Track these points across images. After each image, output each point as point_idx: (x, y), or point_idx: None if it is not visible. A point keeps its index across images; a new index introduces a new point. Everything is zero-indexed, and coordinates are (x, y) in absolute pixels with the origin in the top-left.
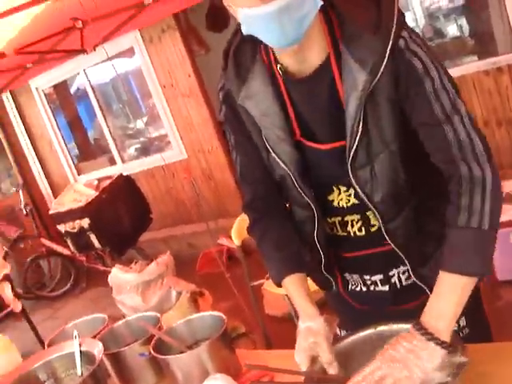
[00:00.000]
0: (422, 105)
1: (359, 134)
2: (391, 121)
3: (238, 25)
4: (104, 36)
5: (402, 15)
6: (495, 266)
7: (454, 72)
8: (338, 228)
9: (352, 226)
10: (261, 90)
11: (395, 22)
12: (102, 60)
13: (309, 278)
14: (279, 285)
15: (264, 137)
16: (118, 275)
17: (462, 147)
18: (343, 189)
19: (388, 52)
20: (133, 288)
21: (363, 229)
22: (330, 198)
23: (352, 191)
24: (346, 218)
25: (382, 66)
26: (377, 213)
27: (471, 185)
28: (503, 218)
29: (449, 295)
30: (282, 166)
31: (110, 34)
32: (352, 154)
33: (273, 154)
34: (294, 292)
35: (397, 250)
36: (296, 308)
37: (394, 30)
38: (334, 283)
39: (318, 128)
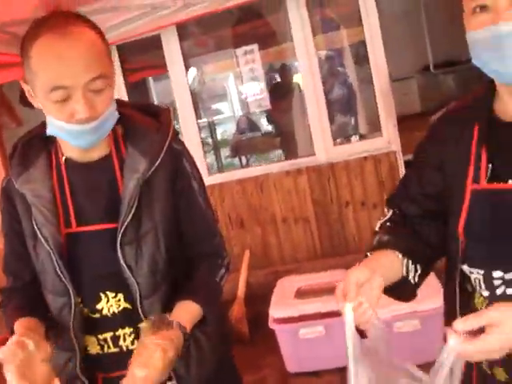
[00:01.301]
0: (190, 199)
1: (133, 211)
2: (162, 206)
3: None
4: None
5: (177, 132)
6: (285, 358)
7: (260, 170)
8: (110, 344)
9: (124, 339)
10: (40, 178)
11: (172, 128)
12: None
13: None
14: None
15: (33, 218)
16: None
17: (215, 237)
18: (111, 295)
19: (166, 147)
20: None
21: (136, 342)
22: (99, 306)
23: (121, 296)
24: (118, 333)
25: (160, 157)
26: (137, 285)
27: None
28: (292, 314)
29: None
30: (46, 246)
31: None
32: (123, 230)
33: (39, 235)
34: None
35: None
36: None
37: (170, 133)
38: None
39: (93, 212)
